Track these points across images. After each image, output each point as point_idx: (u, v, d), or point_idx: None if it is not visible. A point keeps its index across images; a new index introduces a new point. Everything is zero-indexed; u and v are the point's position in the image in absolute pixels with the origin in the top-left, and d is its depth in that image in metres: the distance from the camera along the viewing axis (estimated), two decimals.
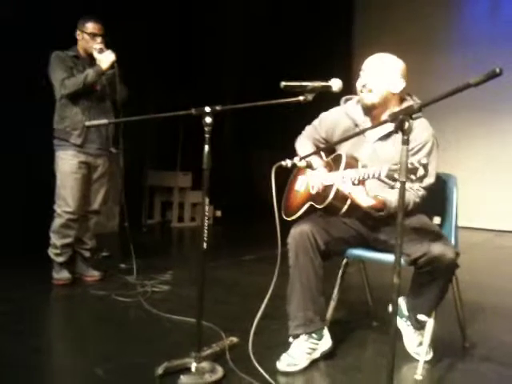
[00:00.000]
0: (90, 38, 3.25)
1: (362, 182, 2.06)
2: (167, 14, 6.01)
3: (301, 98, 2.03)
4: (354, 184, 2.05)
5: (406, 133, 1.50)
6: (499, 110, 6.63)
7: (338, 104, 2.44)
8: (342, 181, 2.09)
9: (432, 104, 1.46)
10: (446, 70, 6.48)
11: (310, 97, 2.02)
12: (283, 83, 2.01)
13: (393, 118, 1.55)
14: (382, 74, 2.21)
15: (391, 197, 2.08)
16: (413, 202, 2.14)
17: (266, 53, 6.73)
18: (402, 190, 1.53)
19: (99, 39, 3.25)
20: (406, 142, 1.50)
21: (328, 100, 2.27)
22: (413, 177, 1.58)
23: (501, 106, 6.60)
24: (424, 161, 1.59)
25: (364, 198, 2.08)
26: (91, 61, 3.27)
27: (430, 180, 2.16)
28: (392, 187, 2.20)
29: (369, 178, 2.00)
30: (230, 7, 6.83)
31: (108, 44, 3.28)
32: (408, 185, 1.99)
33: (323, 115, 2.48)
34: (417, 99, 2.29)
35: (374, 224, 2.29)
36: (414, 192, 2.15)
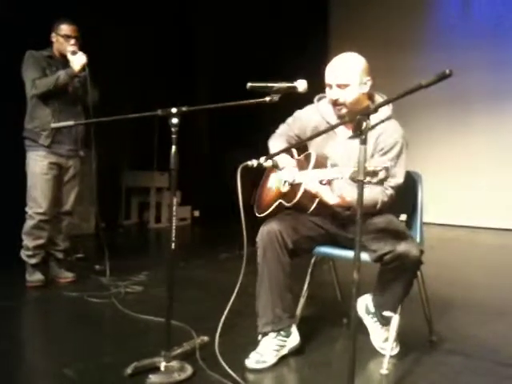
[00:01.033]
0: (63, 40, 3.26)
1: (328, 181, 2.09)
2: (144, 15, 6.00)
3: (267, 98, 2.06)
4: (321, 183, 2.09)
5: (364, 133, 1.53)
6: (468, 108, 6.76)
7: (311, 102, 2.47)
8: (309, 180, 2.12)
9: (387, 104, 1.49)
10: (420, 69, 6.58)
11: (276, 97, 2.05)
12: (249, 84, 2.03)
13: (352, 118, 1.59)
14: (351, 83, 2.19)
15: None
16: (381, 202, 2.17)
17: (240, 52, 6.74)
18: (361, 189, 1.56)
19: (72, 41, 3.25)
20: (363, 142, 1.54)
21: (303, 98, 2.28)
22: (374, 179, 1.61)
23: (469, 104, 6.73)
24: (386, 164, 1.62)
25: (330, 197, 2.11)
26: (65, 62, 3.26)
27: (398, 180, 2.21)
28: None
29: (333, 178, 2.02)
30: (204, 5, 6.84)
31: (82, 46, 3.28)
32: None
33: (297, 113, 2.51)
34: (384, 96, 2.31)
35: (343, 222, 2.33)
36: (382, 191, 2.17)
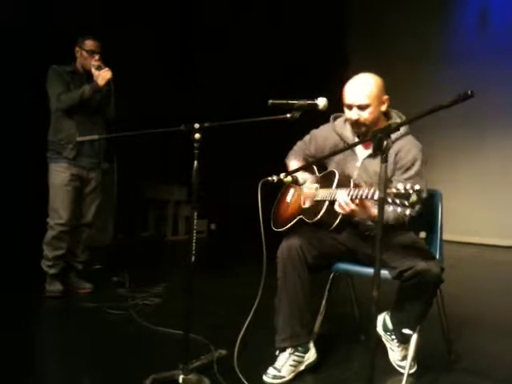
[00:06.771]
0: (88, 55, 3.35)
1: (361, 199, 2.06)
2: (145, 16, 6.00)
3: (288, 115, 2.09)
4: (352, 201, 2.06)
5: (385, 151, 1.55)
6: (485, 126, 6.70)
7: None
8: (341, 197, 2.08)
9: (409, 123, 1.51)
10: (436, 83, 6.57)
11: (296, 114, 2.09)
12: (270, 101, 2.07)
13: (372, 136, 1.60)
14: (371, 103, 2.19)
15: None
16: (408, 216, 2.12)
17: (259, 72, 6.78)
18: (381, 206, 1.57)
19: (97, 56, 3.34)
20: (384, 160, 1.55)
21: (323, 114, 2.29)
22: (405, 202, 1.60)
23: (486, 122, 6.68)
24: (417, 187, 1.61)
25: (366, 213, 2.13)
26: (88, 77, 3.35)
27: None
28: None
29: (362, 198, 2.01)
30: (223, 25, 6.91)
31: (104, 60, 3.36)
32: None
33: (313, 132, 2.54)
34: (400, 114, 2.34)
35: (363, 239, 2.32)
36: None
